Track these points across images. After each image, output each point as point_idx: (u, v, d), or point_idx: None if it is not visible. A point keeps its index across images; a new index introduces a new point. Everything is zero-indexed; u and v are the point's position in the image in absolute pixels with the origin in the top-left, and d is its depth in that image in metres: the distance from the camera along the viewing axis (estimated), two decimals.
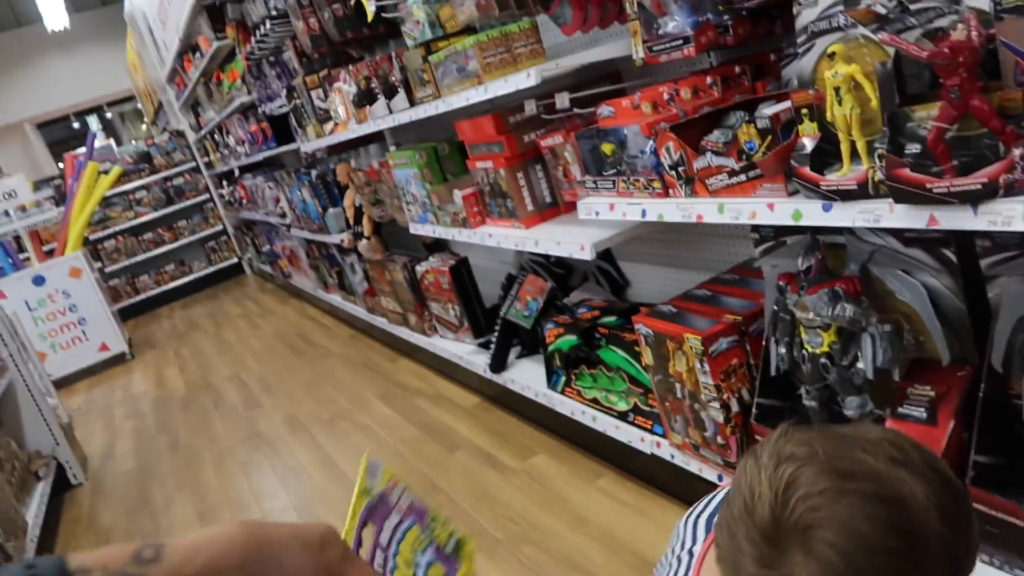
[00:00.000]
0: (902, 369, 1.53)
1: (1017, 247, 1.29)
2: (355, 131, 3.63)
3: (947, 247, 1.39)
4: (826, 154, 1.39)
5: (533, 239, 2.48)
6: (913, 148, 1.18)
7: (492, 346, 3.29)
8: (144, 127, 15.44)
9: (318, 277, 6.13)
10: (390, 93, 3.13)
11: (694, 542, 1.02)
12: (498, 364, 3.26)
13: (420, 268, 3.83)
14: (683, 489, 2.35)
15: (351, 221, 4.65)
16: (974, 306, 1.41)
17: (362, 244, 4.55)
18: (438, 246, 4.23)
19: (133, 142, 15.27)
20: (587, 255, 2.17)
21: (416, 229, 3.50)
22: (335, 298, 5.73)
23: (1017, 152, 1.05)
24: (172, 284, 9.35)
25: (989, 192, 1.09)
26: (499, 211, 2.78)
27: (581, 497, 2.63)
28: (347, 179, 4.57)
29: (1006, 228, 1.08)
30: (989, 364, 1.39)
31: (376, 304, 4.74)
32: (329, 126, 4.02)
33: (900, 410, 1.51)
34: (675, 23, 1.81)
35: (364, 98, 3.42)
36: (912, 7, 1.19)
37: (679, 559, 1.02)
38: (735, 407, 1.91)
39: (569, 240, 2.28)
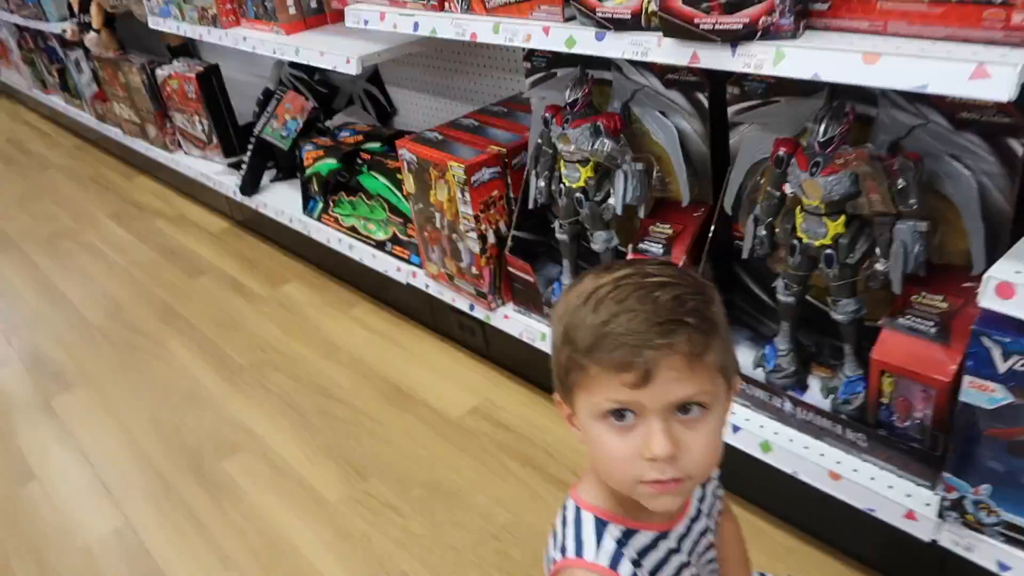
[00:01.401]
0: (647, 207, 1.62)
1: (760, 97, 1.37)
2: None
3: (702, 91, 1.45)
4: None
5: (293, 46, 2.24)
6: None
7: (244, 166, 3.02)
8: None
9: (34, 74, 5.20)
10: None
11: None
12: (250, 186, 3.01)
13: (162, 72, 3.36)
14: (436, 319, 2.39)
15: (76, 8, 3.92)
16: (717, 152, 1.50)
17: (90, 37, 3.87)
18: (184, 50, 3.72)
19: None
20: (353, 69, 2.00)
21: (156, 23, 3.03)
22: (56, 101, 4.92)
23: None
24: None
25: (748, 33, 1.12)
26: (256, 11, 2.46)
27: (333, 325, 2.59)
28: None
29: (758, 71, 1.12)
30: (721, 207, 1.51)
31: (108, 111, 4.14)
32: None
33: (641, 246, 1.61)
34: None
35: None
36: None
37: None
38: (491, 239, 1.93)
39: (334, 51, 2.08)
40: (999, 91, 0.90)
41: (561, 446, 1.92)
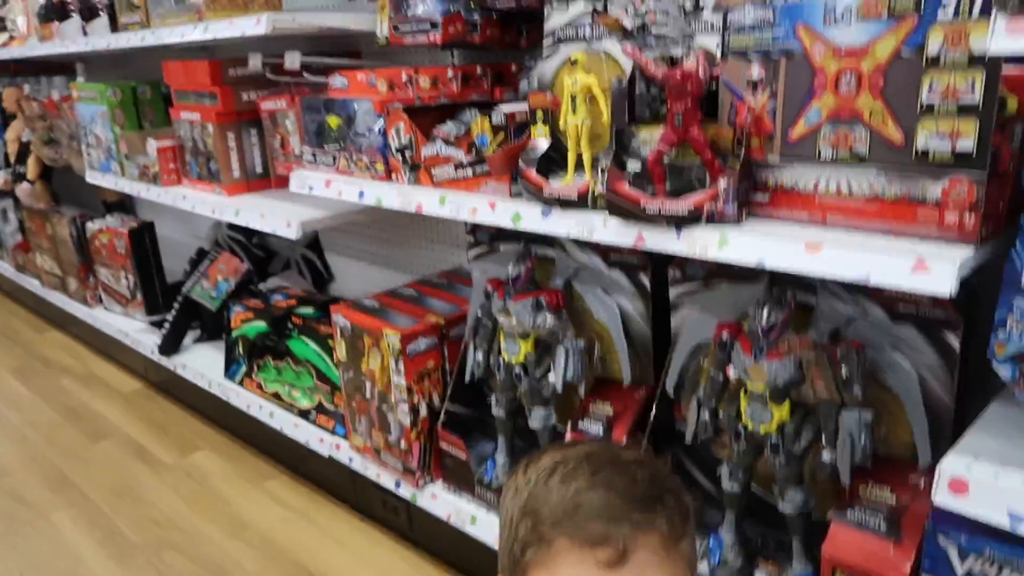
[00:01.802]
0: (588, 386, 1.58)
1: (702, 280, 1.39)
2: (35, 49, 3.03)
3: (644, 272, 1.46)
4: (553, 162, 1.39)
5: (234, 208, 2.22)
6: (634, 166, 1.21)
7: (166, 325, 2.90)
8: None
9: None
10: (89, 13, 2.66)
11: None
12: (170, 346, 2.88)
13: (92, 226, 3.29)
14: (358, 496, 2.23)
15: (11, 158, 3.88)
16: (658, 333, 1.50)
17: (22, 188, 3.81)
18: (120, 206, 3.69)
19: None
20: (293, 233, 1.98)
21: (94, 178, 3.00)
22: None
23: (721, 184, 1.11)
24: None
25: (694, 218, 1.14)
26: (200, 172, 2.46)
27: (244, 500, 2.38)
28: (15, 107, 3.81)
29: (703, 255, 1.14)
30: (663, 388, 1.48)
31: (28, 262, 3.99)
32: (3, 37, 3.32)
33: (580, 425, 1.55)
34: (424, 7, 1.73)
35: (54, 12, 2.87)
36: (652, 31, 1.23)
37: None
38: (424, 411, 1.84)
39: (275, 215, 2.07)
40: (941, 285, 0.92)
41: None
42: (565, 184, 1.33)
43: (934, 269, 0.93)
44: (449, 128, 1.54)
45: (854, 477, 1.22)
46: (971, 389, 1.23)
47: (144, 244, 3.10)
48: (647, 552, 0.67)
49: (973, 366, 1.22)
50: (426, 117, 1.68)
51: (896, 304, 1.15)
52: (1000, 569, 0.98)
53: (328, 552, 2.10)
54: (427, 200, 1.58)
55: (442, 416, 1.83)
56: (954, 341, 1.12)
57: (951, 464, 1.00)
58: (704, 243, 1.14)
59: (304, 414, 2.29)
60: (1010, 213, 1.02)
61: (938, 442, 1.17)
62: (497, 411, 1.70)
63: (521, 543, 0.73)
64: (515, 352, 1.61)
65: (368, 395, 1.96)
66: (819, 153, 1.05)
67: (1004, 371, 0.95)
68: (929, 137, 0.94)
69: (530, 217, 1.38)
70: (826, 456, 1.22)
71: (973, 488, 0.97)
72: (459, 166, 1.52)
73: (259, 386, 2.48)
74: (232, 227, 3.00)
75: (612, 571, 0.67)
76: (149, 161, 2.62)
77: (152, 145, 2.56)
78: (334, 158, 1.83)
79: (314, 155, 1.90)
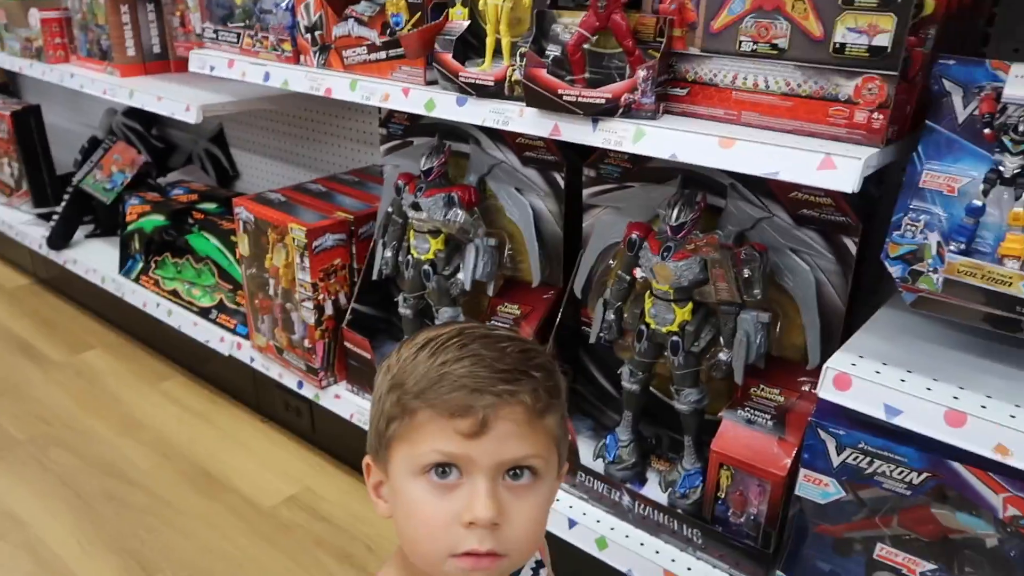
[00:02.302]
0: (496, 286, 1.56)
1: (615, 181, 1.38)
2: None
3: (558, 172, 1.44)
4: (470, 47, 1.33)
5: (128, 89, 2.06)
6: (554, 51, 1.17)
7: (55, 218, 2.71)
8: None
9: None
10: None
11: None
12: (60, 239, 2.70)
13: None
14: (259, 397, 2.18)
15: None
16: (570, 234, 1.49)
17: None
18: (4, 89, 3.39)
19: None
20: (192, 117, 1.85)
21: None
22: None
23: (641, 74, 1.08)
24: None
25: (610, 108, 1.12)
26: (90, 49, 2.27)
27: (138, 399, 2.29)
28: None
29: (618, 147, 1.12)
30: (571, 290, 1.48)
31: None
32: None
33: (488, 324, 1.54)
34: None
35: None
36: None
37: None
38: (329, 310, 1.80)
39: (174, 98, 1.93)
40: (846, 182, 0.93)
41: (384, 541, 1.75)
42: (482, 70, 1.28)
43: (840, 166, 0.94)
44: (362, 7, 1.45)
45: (747, 377, 1.26)
46: (862, 296, 1.28)
47: (29, 128, 2.86)
48: (508, 423, 0.67)
49: (865, 274, 1.27)
50: None
51: (801, 208, 1.17)
52: (871, 461, 1.04)
53: (227, 453, 2.06)
54: (337, 84, 1.49)
55: (348, 315, 1.79)
56: (852, 246, 1.15)
57: (837, 361, 1.04)
58: (620, 135, 1.12)
59: (204, 313, 2.20)
60: (915, 117, 1.04)
61: (828, 345, 1.21)
62: (404, 310, 1.67)
63: (386, 417, 0.72)
64: (425, 249, 1.57)
65: (272, 293, 1.89)
66: (739, 44, 1.03)
67: (896, 270, 0.98)
68: (847, 31, 0.94)
69: (444, 104, 1.33)
70: (723, 356, 1.25)
71: (855, 384, 1.01)
72: (372, 48, 1.43)
73: (156, 283, 2.36)
74: (128, 115, 2.80)
75: (472, 441, 0.67)
76: (32, 34, 2.39)
77: (35, 16, 2.33)
78: (238, 36, 1.71)
79: (216, 33, 1.77)
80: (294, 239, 1.74)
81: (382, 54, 1.42)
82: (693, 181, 1.28)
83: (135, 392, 2.33)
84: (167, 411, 2.24)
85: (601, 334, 1.39)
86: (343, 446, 1.98)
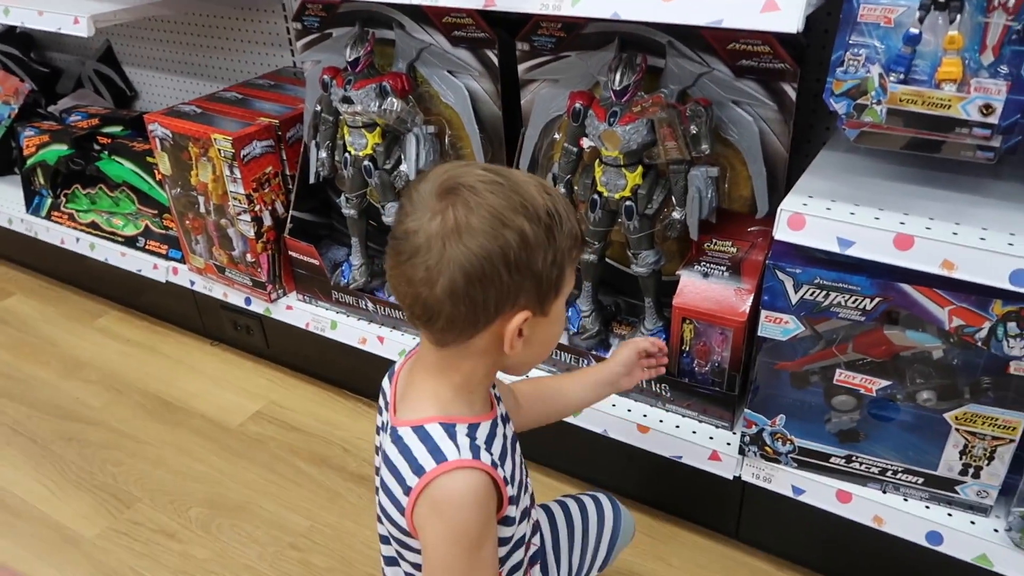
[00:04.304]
0: None
1: (550, 52, 1.35)
2: None
3: (491, 49, 1.40)
4: None
5: (3, 6, 1.87)
6: None
7: None
8: None
9: None
10: None
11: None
12: None
13: None
14: (205, 321, 2.13)
15: None
16: (510, 113, 1.46)
17: None
18: None
19: None
20: (83, 30, 1.70)
21: None
22: None
23: None
24: None
25: None
26: None
27: (75, 340, 2.21)
28: None
29: (557, 11, 1.09)
30: (517, 168, 1.47)
31: None
32: None
33: None
34: None
35: None
36: None
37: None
38: (268, 221, 1.74)
39: (57, 10, 1.76)
40: (790, 22, 0.93)
41: (358, 441, 1.78)
42: None
43: (783, 6, 0.94)
44: None
45: (700, 233, 1.30)
46: (796, 144, 1.32)
47: None
48: None
49: (799, 123, 1.30)
50: None
51: (740, 58, 1.18)
52: (827, 294, 1.10)
53: (182, 380, 2.02)
54: None
55: (288, 224, 1.74)
56: (792, 92, 1.17)
57: (790, 203, 1.07)
58: (556, 0, 1.09)
59: (131, 241, 2.11)
60: None
61: (775, 194, 1.25)
62: (348, 211, 1.64)
63: (560, 261, 0.80)
64: (362, 145, 1.52)
65: (203, 211, 1.82)
66: None
67: (840, 106, 1.00)
68: None
69: None
70: (676, 215, 1.28)
71: (809, 222, 1.05)
72: None
73: (71, 217, 2.23)
74: (3, 40, 2.56)
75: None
76: None
77: None
78: None
79: None
80: (220, 151, 1.66)
81: None
82: (630, 43, 1.27)
83: (70, 333, 2.24)
84: (109, 347, 2.17)
85: None
86: (302, 356, 1.97)
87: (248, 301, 1.88)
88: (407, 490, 0.81)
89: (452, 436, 0.82)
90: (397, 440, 0.83)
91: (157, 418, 1.89)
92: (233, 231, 1.78)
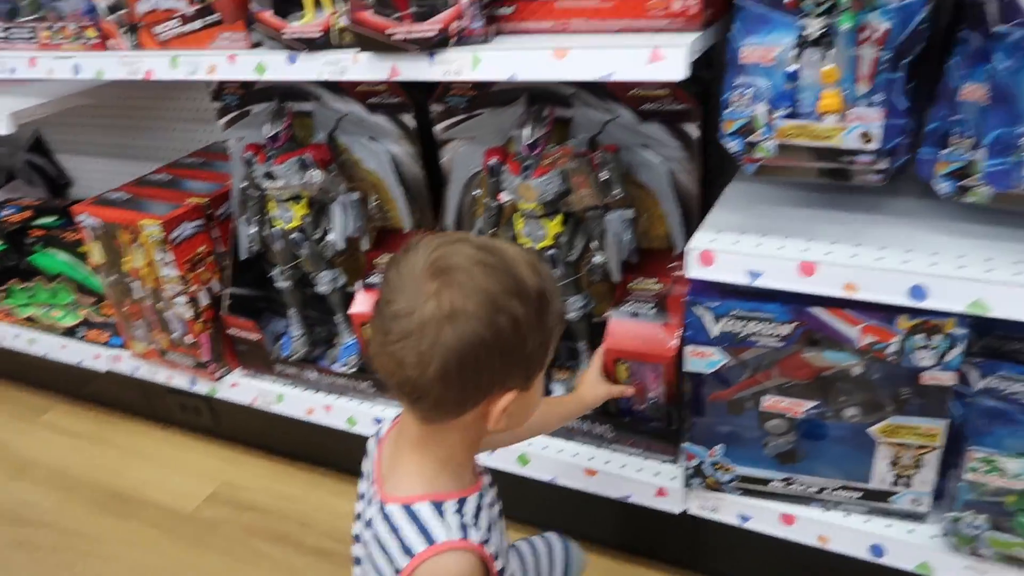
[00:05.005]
0: (370, 239, 1.56)
1: (464, 111, 1.39)
2: None
3: (407, 112, 1.43)
4: (289, 1, 1.28)
5: None
6: None
7: None
8: None
9: None
10: None
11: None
12: None
13: None
14: (152, 406, 2.10)
15: None
16: (431, 172, 1.49)
17: None
18: None
19: None
20: (3, 127, 1.71)
21: None
22: None
23: (465, 0, 1.09)
24: None
25: (442, 40, 1.12)
26: None
27: (21, 439, 2.16)
28: None
29: (458, 77, 1.13)
30: (444, 227, 1.50)
31: None
32: None
33: (369, 280, 1.54)
34: None
35: None
36: None
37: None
38: (205, 300, 1.74)
39: None
40: (674, 71, 0.98)
41: (315, 513, 1.75)
42: (306, 23, 1.24)
43: (667, 56, 0.98)
44: None
45: (624, 274, 1.33)
46: (713, 176, 1.37)
47: None
48: None
49: (712, 156, 1.35)
50: None
51: (642, 103, 1.22)
52: (745, 323, 1.13)
53: (133, 469, 1.98)
54: (156, 64, 1.41)
55: (226, 301, 1.74)
56: (694, 132, 1.22)
57: (698, 240, 1.11)
58: (458, 65, 1.13)
59: (70, 332, 2.08)
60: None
61: (690, 228, 1.29)
62: (281, 283, 1.64)
63: (545, 337, 0.82)
64: (289, 218, 1.54)
65: (139, 296, 1.81)
66: None
67: (734, 144, 1.05)
68: None
69: (275, 66, 1.29)
70: (598, 259, 1.31)
71: (718, 257, 1.09)
72: (185, 19, 1.36)
73: (8, 314, 2.20)
74: None
75: None
76: None
77: None
78: (32, 31, 1.57)
79: (7, 31, 1.62)
80: (149, 236, 1.66)
81: (197, 23, 1.35)
82: (538, 97, 1.31)
83: (15, 432, 2.19)
84: (56, 443, 2.12)
85: None
86: (252, 432, 1.95)
87: (193, 382, 1.86)
88: (397, 571, 0.81)
89: (440, 515, 0.82)
90: (386, 518, 0.84)
91: (110, 512, 1.85)
92: (171, 314, 1.77)
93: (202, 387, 1.85)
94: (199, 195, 1.73)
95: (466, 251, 0.78)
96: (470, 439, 0.87)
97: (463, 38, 1.11)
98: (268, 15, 1.25)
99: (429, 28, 1.11)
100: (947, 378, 1.04)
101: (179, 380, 1.89)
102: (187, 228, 1.68)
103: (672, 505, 1.33)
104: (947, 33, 1.10)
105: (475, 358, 0.75)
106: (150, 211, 1.68)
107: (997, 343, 1.11)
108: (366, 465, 0.97)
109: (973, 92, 0.96)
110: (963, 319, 1.00)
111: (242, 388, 1.80)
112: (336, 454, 1.81)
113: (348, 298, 1.60)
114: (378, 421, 1.59)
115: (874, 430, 1.12)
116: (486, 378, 0.79)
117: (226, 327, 1.76)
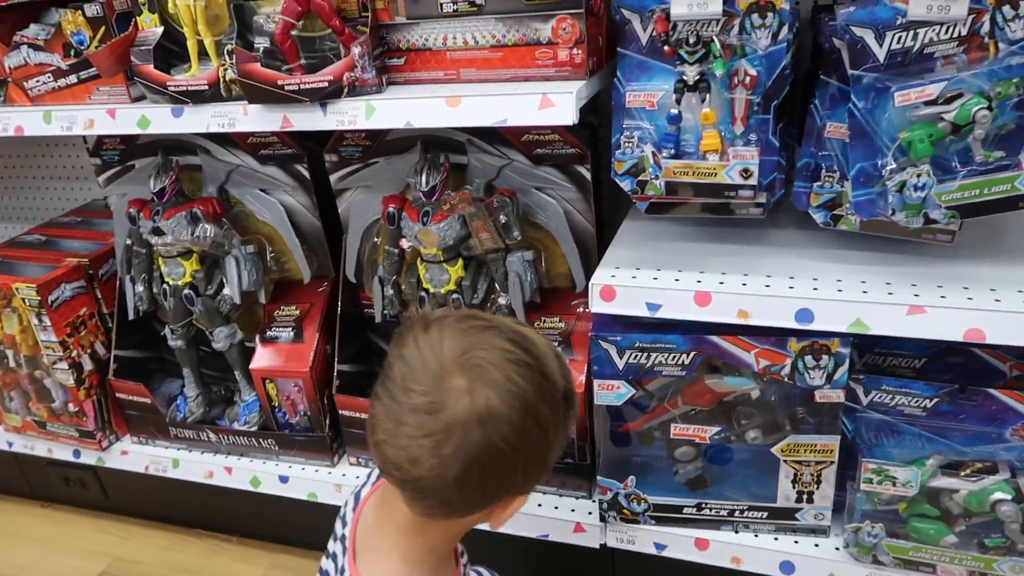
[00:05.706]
0: (267, 292, 1.51)
1: (359, 160, 1.38)
2: None
3: (300, 163, 1.41)
4: (172, 54, 1.25)
5: None
6: (262, 42, 1.14)
7: None
8: None
9: None
10: None
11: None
12: None
13: None
14: (30, 482, 1.94)
15: None
16: (328, 222, 1.47)
17: None
18: None
19: None
20: None
21: None
22: None
23: (356, 51, 1.09)
24: None
25: (335, 91, 1.11)
26: None
27: None
28: None
29: (352, 126, 1.12)
30: (344, 277, 1.48)
31: None
32: None
33: (269, 333, 1.49)
34: None
35: None
36: None
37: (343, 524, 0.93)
38: (88, 365, 1.63)
39: None
40: (564, 116, 1.01)
41: None
42: (191, 76, 1.21)
43: (557, 102, 1.02)
44: (33, 30, 1.30)
45: (528, 314, 1.34)
46: (608, 215, 1.41)
47: None
48: None
49: (605, 195, 1.40)
50: (1, 23, 1.40)
51: (534, 148, 1.26)
52: (648, 355, 1.16)
53: (11, 553, 1.82)
54: (28, 120, 1.34)
55: (112, 364, 1.64)
56: (586, 173, 1.26)
57: (599, 277, 1.14)
58: (352, 115, 1.12)
59: None
60: (610, 47, 1.15)
61: (589, 266, 1.32)
62: (175, 342, 1.57)
63: (560, 441, 0.80)
64: (180, 274, 1.48)
65: (14, 365, 1.68)
66: (441, 7, 1.08)
67: (626, 184, 1.09)
68: None
69: (159, 119, 1.24)
70: (502, 300, 1.32)
71: (619, 291, 1.12)
72: (58, 74, 1.30)
73: None
74: None
75: None
76: None
77: None
78: None
79: None
80: (24, 300, 1.56)
81: (72, 78, 1.29)
82: (433, 144, 1.32)
83: None
84: None
85: (385, 311, 1.41)
86: (146, 502, 1.83)
87: (77, 453, 1.74)
88: None
89: None
90: None
91: None
92: (50, 381, 1.65)
93: (88, 457, 1.74)
94: (78, 255, 1.64)
95: (498, 344, 0.73)
96: (462, 530, 0.84)
97: (356, 88, 1.11)
98: (150, 68, 1.21)
99: (321, 80, 1.11)
100: (836, 395, 1.10)
101: (61, 452, 1.76)
102: (66, 290, 1.58)
103: (591, 540, 1.33)
104: (808, 78, 1.19)
105: (500, 464, 0.72)
106: (24, 274, 1.58)
107: (878, 359, 1.19)
108: (338, 525, 0.93)
109: (836, 130, 1.04)
110: (846, 338, 1.06)
111: (133, 456, 1.69)
112: (239, 517, 1.73)
113: (247, 353, 1.54)
114: (283, 480, 1.54)
115: (775, 450, 1.17)
116: (505, 484, 0.75)
117: (113, 392, 1.66)
